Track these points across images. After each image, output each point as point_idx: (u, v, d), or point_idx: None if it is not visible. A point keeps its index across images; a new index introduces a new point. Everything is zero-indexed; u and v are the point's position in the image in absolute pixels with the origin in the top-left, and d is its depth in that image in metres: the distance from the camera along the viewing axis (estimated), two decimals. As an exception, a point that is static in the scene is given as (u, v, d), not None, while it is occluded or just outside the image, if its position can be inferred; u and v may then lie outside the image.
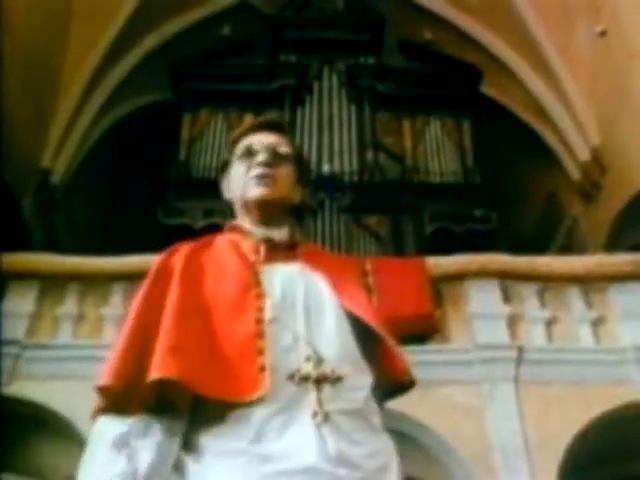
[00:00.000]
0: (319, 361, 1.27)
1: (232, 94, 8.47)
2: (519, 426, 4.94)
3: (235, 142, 1.62)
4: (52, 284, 5.66)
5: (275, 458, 1.18)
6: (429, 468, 5.10)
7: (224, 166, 1.64)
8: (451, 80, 8.73)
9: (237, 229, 1.55)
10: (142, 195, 8.15)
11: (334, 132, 8.30)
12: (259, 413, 1.22)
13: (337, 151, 8.14)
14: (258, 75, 8.63)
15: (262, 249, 1.46)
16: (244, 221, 1.55)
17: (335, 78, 8.79)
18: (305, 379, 1.25)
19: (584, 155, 8.40)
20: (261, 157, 1.52)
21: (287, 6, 9.35)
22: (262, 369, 1.25)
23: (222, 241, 1.52)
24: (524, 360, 5.24)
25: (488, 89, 9.15)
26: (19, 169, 7.27)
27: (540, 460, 4.78)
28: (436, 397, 4.91)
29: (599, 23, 7.60)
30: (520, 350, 5.27)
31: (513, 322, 5.50)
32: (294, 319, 1.34)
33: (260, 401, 1.22)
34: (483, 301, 5.54)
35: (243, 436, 1.21)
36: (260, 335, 1.29)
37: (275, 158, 1.53)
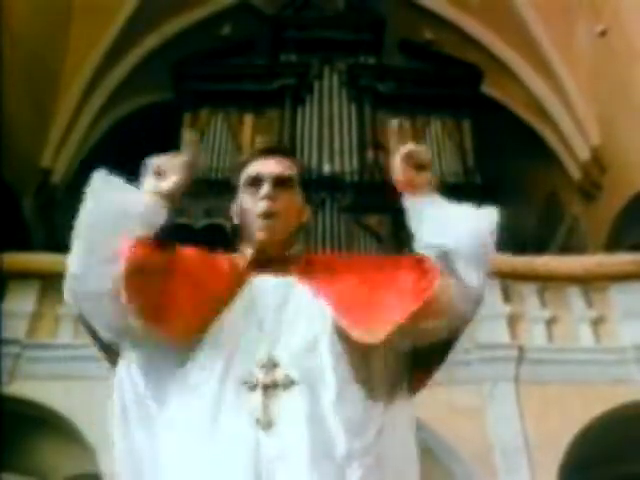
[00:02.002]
0: (273, 366, 1.34)
1: (232, 94, 8.47)
2: (519, 426, 4.94)
3: (241, 168, 1.67)
4: (52, 284, 5.63)
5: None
6: (429, 468, 5.10)
7: (232, 191, 1.68)
8: (451, 80, 8.73)
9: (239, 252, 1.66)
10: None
11: (334, 132, 8.30)
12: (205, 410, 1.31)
13: (337, 151, 8.13)
14: (258, 75, 8.63)
15: (251, 257, 1.56)
16: (248, 247, 1.61)
17: (335, 78, 8.79)
18: (254, 386, 1.32)
19: (584, 155, 8.40)
20: (265, 190, 1.56)
21: (287, 6, 9.34)
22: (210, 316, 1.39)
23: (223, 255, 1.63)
24: (524, 360, 5.24)
25: (488, 89, 9.14)
26: (19, 169, 7.27)
27: (540, 460, 4.78)
28: (436, 397, 4.90)
29: (599, 23, 7.60)
30: (520, 350, 5.27)
31: (513, 322, 5.50)
32: (256, 326, 1.41)
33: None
34: (483, 300, 5.53)
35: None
36: (220, 301, 1.43)
37: (279, 185, 1.58)
